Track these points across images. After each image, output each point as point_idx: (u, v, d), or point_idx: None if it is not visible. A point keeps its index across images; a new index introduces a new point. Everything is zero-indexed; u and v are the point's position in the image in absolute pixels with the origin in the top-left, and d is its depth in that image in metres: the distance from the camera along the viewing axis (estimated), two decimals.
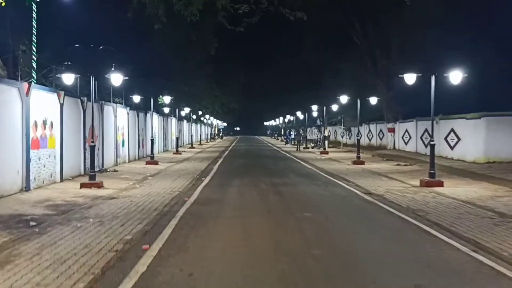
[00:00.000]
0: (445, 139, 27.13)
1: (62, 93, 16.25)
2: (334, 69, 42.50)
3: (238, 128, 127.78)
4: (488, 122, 22.54)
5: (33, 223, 9.03)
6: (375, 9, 33.21)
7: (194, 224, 8.89)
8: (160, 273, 6.03)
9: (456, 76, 14.98)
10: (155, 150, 32.00)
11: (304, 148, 42.31)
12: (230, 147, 46.50)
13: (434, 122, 29.47)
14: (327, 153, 34.50)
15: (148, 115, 28.28)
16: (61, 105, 16.21)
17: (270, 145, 54.42)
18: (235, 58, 60.09)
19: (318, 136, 53.61)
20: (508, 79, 33.84)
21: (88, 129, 19.03)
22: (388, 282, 5.78)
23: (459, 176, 18.27)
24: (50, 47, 20.55)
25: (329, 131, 46.21)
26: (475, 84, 24.61)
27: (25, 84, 13.71)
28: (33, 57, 16.97)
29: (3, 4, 14.83)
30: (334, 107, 35.65)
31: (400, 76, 15.58)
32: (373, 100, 26.41)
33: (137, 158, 26.57)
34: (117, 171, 19.75)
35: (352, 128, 48.60)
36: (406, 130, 34.73)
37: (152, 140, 25.16)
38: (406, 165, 23.51)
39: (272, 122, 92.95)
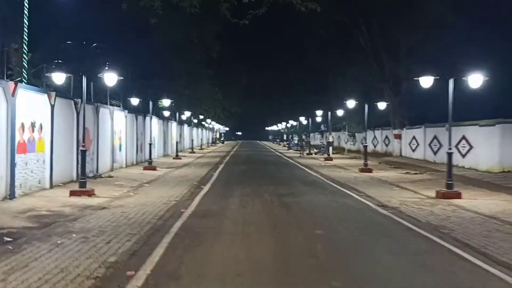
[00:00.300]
0: (456, 146, 26.01)
1: (53, 93, 15.21)
2: (339, 73, 41.52)
3: (239, 133, 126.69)
4: (504, 129, 21.42)
5: (8, 239, 7.97)
6: (382, 10, 32.23)
7: (190, 243, 7.79)
8: None
9: (475, 80, 13.89)
10: (154, 155, 31.02)
11: (307, 154, 41.23)
12: (232, 152, 45.43)
13: (444, 129, 28.68)
14: (331, 159, 33.40)
15: (147, 118, 27.24)
16: (52, 107, 15.17)
17: (272, 150, 53.36)
18: (237, 61, 59.15)
19: (322, 141, 52.53)
20: None
21: (82, 132, 18.01)
22: None
23: (474, 186, 17.16)
24: (44, 46, 19.54)
25: (333, 136, 45.11)
26: (488, 89, 23.41)
27: (11, 84, 12.66)
28: (24, 55, 16.01)
29: None
30: (340, 112, 34.52)
31: (415, 79, 14.49)
32: (382, 105, 25.31)
33: (135, 163, 25.51)
34: (112, 177, 18.70)
35: (356, 134, 47.57)
36: (414, 137, 33.62)
37: (150, 145, 24.11)
38: (415, 173, 22.40)
39: (274, 127, 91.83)
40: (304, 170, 24.37)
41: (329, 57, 42.18)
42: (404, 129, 35.71)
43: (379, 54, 35.24)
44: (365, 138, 25.66)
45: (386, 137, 39.91)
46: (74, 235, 8.35)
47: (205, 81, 41.05)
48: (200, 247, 7.51)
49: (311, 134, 50.27)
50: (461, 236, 8.69)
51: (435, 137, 29.45)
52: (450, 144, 14.50)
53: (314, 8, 10.87)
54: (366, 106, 24.23)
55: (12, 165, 12.35)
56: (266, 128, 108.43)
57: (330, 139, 38.86)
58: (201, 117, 51.15)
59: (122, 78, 14.28)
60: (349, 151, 43.96)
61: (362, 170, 23.23)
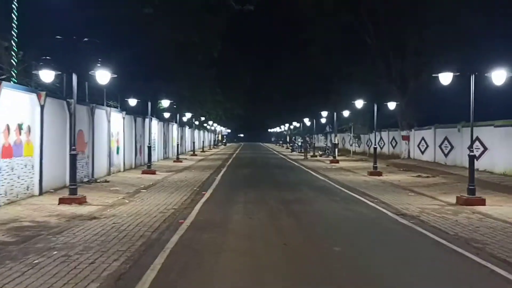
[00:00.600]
0: (469, 148, 24.86)
1: (43, 93, 14.14)
2: (344, 74, 40.43)
3: (242, 135, 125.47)
4: None
5: None
6: (389, 8, 31.14)
7: (186, 265, 6.64)
8: None
9: (499, 76, 12.76)
10: (155, 158, 29.96)
11: (311, 156, 40.09)
12: (234, 155, 44.31)
13: (456, 129, 27.56)
14: (337, 162, 32.28)
15: (147, 120, 26.16)
16: (42, 107, 14.09)
17: (275, 152, 52.21)
18: (240, 63, 58.24)
19: (326, 143, 51.40)
20: None
21: (76, 135, 16.96)
22: None
23: (494, 191, 16.02)
24: (38, 44, 18.48)
25: (337, 138, 44.00)
26: (503, 87, 22.21)
27: None
28: (13, 53, 15.00)
29: None
30: (346, 113, 33.38)
31: (434, 75, 13.38)
32: (391, 105, 24.17)
33: (133, 166, 24.44)
34: (108, 181, 17.63)
35: (361, 136, 46.45)
36: (423, 138, 32.50)
37: (149, 147, 23.01)
38: (428, 176, 21.26)
39: (276, 129, 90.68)
40: (310, 174, 23.25)
41: (333, 59, 41.19)
42: (412, 130, 34.58)
43: (386, 54, 34.14)
44: (374, 140, 24.44)
45: (393, 138, 38.79)
46: (55, 252, 7.27)
47: (207, 82, 40.04)
48: (198, 271, 6.37)
49: (315, 136, 49.12)
50: (499, 252, 7.58)
51: (446, 139, 28.33)
52: (472, 146, 13.37)
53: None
54: (376, 107, 23.07)
55: None
56: (269, 130, 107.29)
57: (336, 141, 37.73)
58: (203, 118, 50.11)
59: (116, 76, 13.19)
60: (354, 153, 42.85)
61: (371, 173, 22.11)
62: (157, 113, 31.59)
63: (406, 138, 35.30)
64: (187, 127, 45.88)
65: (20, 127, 12.87)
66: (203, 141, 58.47)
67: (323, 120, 44.03)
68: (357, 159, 35.96)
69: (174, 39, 29.07)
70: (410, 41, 31.45)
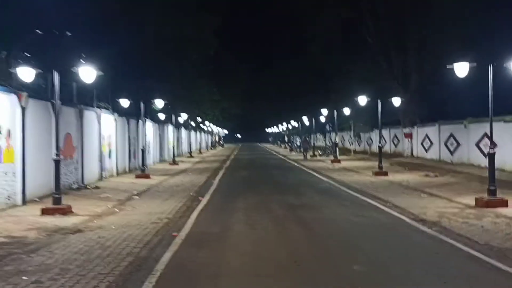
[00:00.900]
0: (477, 145, 23.87)
1: (24, 94, 13.01)
2: (344, 72, 39.44)
3: (239, 136, 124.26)
4: None
5: None
6: (389, 3, 30.15)
7: None
8: None
9: None
10: (150, 161, 28.83)
11: (311, 156, 39.01)
12: (232, 156, 43.20)
13: (462, 126, 26.53)
14: (339, 161, 31.20)
15: (140, 122, 25.03)
16: (23, 109, 12.97)
17: (274, 153, 51.12)
18: (237, 62, 57.22)
19: (326, 143, 50.36)
20: None
21: (63, 138, 15.87)
22: None
23: (510, 190, 14.94)
24: (21, 43, 17.34)
25: (335, 137, 42.97)
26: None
27: None
28: None
29: None
30: (346, 111, 32.29)
31: (448, 67, 12.31)
32: (396, 101, 23.11)
33: (127, 170, 23.30)
34: (99, 187, 16.51)
35: (361, 134, 45.42)
36: (427, 136, 31.44)
37: (143, 151, 21.85)
38: (436, 176, 20.22)
39: (274, 129, 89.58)
40: (313, 175, 22.17)
41: (333, 57, 40.22)
42: (415, 127, 33.53)
43: (387, 49, 33.11)
44: (379, 138, 23.33)
45: (395, 136, 37.71)
46: (24, 277, 6.17)
47: (203, 81, 38.93)
48: None
49: (313, 135, 48.06)
50: None
51: (451, 135, 27.28)
52: (491, 143, 12.28)
53: None
54: (379, 103, 21.99)
55: None
56: (267, 130, 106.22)
57: (337, 140, 36.68)
58: (199, 119, 49.01)
59: (103, 73, 12.06)
60: (355, 152, 41.81)
61: (377, 174, 21.04)
62: (152, 115, 30.46)
63: (409, 135, 34.25)
64: (183, 129, 44.76)
65: None
66: (200, 143, 57.30)
67: (323, 119, 43.01)
68: (359, 159, 34.91)
69: (169, 37, 28.00)
70: (412, 35, 30.37)
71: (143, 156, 21.70)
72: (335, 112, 33.77)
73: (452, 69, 12.10)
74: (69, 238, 8.61)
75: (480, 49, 21.56)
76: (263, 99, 75.34)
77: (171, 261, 6.85)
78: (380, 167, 21.52)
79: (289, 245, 7.96)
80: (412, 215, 10.67)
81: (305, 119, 47.97)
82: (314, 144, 42.78)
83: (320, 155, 41.16)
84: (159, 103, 23.81)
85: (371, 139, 44.09)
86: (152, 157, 29.70)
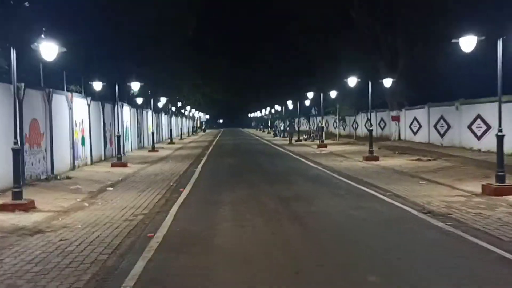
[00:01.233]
0: (469, 127, 23.02)
1: None
2: (328, 52, 38.21)
3: (221, 121, 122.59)
4: None
5: None
6: None
7: None
8: None
9: None
10: (128, 148, 27.39)
11: (296, 141, 37.91)
12: (215, 142, 41.86)
13: (454, 108, 25.64)
14: (325, 146, 30.16)
15: (118, 106, 23.53)
16: None
17: (257, 138, 49.90)
18: (218, 44, 55.75)
19: (311, 127, 49.33)
20: None
21: (29, 125, 14.40)
22: None
23: None
24: None
25: (321, 121, 41.93)
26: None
27: None
28: None
29: None
30: (333, 94, 31.17)
31: (453, 41, 11.18)
32: (387, 82, 22.05)
33: (103, 158, 21.86)
34: (70, 178, 15.11)
35: (346, 118, 44.50)
36: (415, 118, 30.59)
37: (118, 137, 20.41)
38: (429, 160, 19.30)
39: (257, 114, 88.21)
40: (301, 161, 21.03)
41: (315, 36, 38.95)
42: (403, 110, 32.64)
43: (373, 26, 31.89)
44: (370, 121, 22.27)
45: (382, 119, 36.82)
46: None
47: (184, 65, 37.37)
48: None
49: (297, 120, 46.92)
50: None
51: (441, 118, 26.42)
52: (500, 124, 11.23)
53: None
54: (370, 84, 20.87)
55: None
56: (249, 115, 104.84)
57: (323, 124, 35.62)
58: (180, 104, 47.47)
59: (65, 50, 10.60)
60: (340, 136, 40.87)
61: (367, 159, 20.03)
62: (130, 99, 28.91)
63: (396, 118, 33.36)
64: (163, 114, 43.21)
65: None
66: (181, 128, 55.75)
67: (307, 103, 41.87)
68: (345, 143, 33.95)
69: (147, 18, 26.38)
70: (400, 8, 28.96)
71: (118, 143, 20.27)
72: (322, 95, 32.55)
73: (443, 49, 11.10)
74: (26, 242, 7.31)
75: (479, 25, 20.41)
76: (246, 84, 73.83)
77: (144, 272, 5.57)
78: (371, 152, 20.50)
79: (285, 247, 6.72)
80: (417, 205, 9.59)
81: (289, 103, 46.73)
82: (298, 128, 41.60)
83: (305, 139, 40.14)
84: (135, 85, 22.33)
85: (356, 123, 43.21)
86: (130, 144, 28.26)
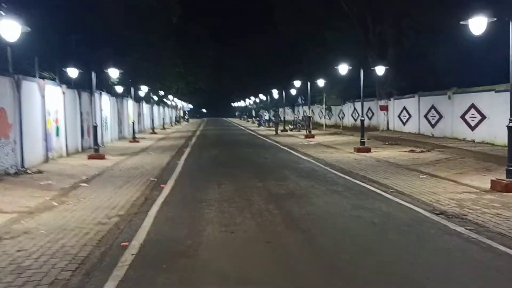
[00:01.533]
0: (462, 117, 22.28)
1: None
2: (315, 41, 37.25)
3: (205, 110, 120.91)
4: None
5: None
6: None
7: None
8: None
9: None
10: (107, 139, 26.09)
11: (282, 131, 36.92)
12: (198, 132, 40.65)
13: (446, 97, 24.85)
14: (313, 136, 29.28)
15: (96, 95, 22.17)
16: None
17: (242, 128, 48.78)
18: (202, 32, 54.30)
19: (297, 117, 48.37)
20: None
21: None
22: None
23: None
24: None
25: (305, 111, 40.97)
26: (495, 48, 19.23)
27: None
28: None
29: None
30: (320, 82, 30.19)
31: (462, 23, 10.23)
32: (380, 70, 21.12)
33: (80, 150, 20.59)
34: (42, 172, 13.87)
35: (333, 107, 43.67)
36: (404, 108, 29.83)
37: (95, 127, 19.11)
38: (422, 151, 18.52)
39: (241, 103, 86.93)
40: (289, 153, 20.02)
41: (302, 24, 37.96)
42: (392, 99, 31.87)
43: (362, 14, 30.98)
44: (362, 110, 21.30)
45: (369, 109, 36.01)
46: None
47: (167, 53, 35.95)
48: None
49: (281, 109, 46.03)
50: None
51: (433, 107, 25.66)
52: None
53: None
54: (362, 71, 19.90)
55: None
56: (232, 104, 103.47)
57: (310, 113, 34.67)
58: (162, 93, 46.05)
59: (30, 29, 9.37)
60: (326, 126, 40.02)
61: (359, 150, 19.15)
62: (109, 88, 27.50)
63: (385, 108, 32.61)
64: (144, 103, 41.76)
65: None
66: (163, 118, 54.31)
67: (293, 92, 40.86)
68: (332, 133, 33.09)
69: (129, 4, 25.01)
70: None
71: (95, 134, 19.00)
72: (309, 84, 31.53)
73: (434, 36, 10.15)
74: None
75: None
76: (230, 72, 72.55)
77: None
78: (362, 143, 19.60)
79: (283, 260, 5.63)
80: (425, 205, 8.64)
81: (274, 92, 45.64)
82: (284, 118, 40.62)
83: (291, 129, 39.21)
84: (113, 73, 21.00)
85: (343, 113, 42.40)
86: (109, 134, 26.94)
